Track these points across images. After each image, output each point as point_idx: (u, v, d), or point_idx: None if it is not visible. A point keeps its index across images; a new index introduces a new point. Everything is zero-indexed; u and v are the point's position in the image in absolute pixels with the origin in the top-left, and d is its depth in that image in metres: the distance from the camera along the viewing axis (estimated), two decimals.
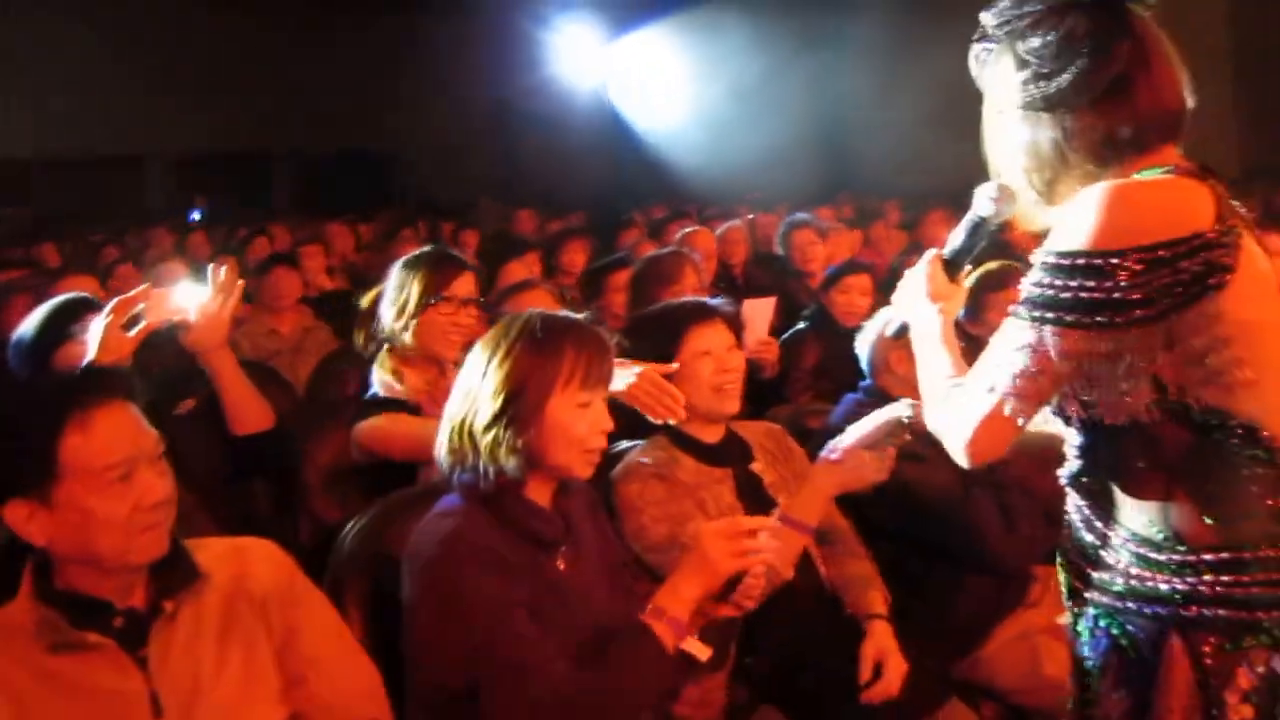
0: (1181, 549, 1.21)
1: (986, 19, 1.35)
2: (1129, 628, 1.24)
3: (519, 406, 1.56)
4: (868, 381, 2.43)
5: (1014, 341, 1.23)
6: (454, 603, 1.50)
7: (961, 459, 1.31)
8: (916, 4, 12.42)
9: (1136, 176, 1.23)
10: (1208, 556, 1.19)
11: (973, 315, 2.74)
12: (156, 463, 1.45)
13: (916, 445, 2.17)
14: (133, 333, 2.15)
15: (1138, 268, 1.14)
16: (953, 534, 2.18)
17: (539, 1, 13.40)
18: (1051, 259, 1.20)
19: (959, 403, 1.30)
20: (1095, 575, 1.29)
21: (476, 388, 1.60)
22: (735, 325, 2.16)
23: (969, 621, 2.22)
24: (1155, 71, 1.26)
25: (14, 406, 1.49)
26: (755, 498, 2.05)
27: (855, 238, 5.67)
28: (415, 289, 2.33)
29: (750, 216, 6.77)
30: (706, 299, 2.22)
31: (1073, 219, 1.21)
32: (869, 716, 1.90)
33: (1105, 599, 1.27)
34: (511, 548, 1.56)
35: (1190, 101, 1.29)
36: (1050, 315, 1.19)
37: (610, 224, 7.84)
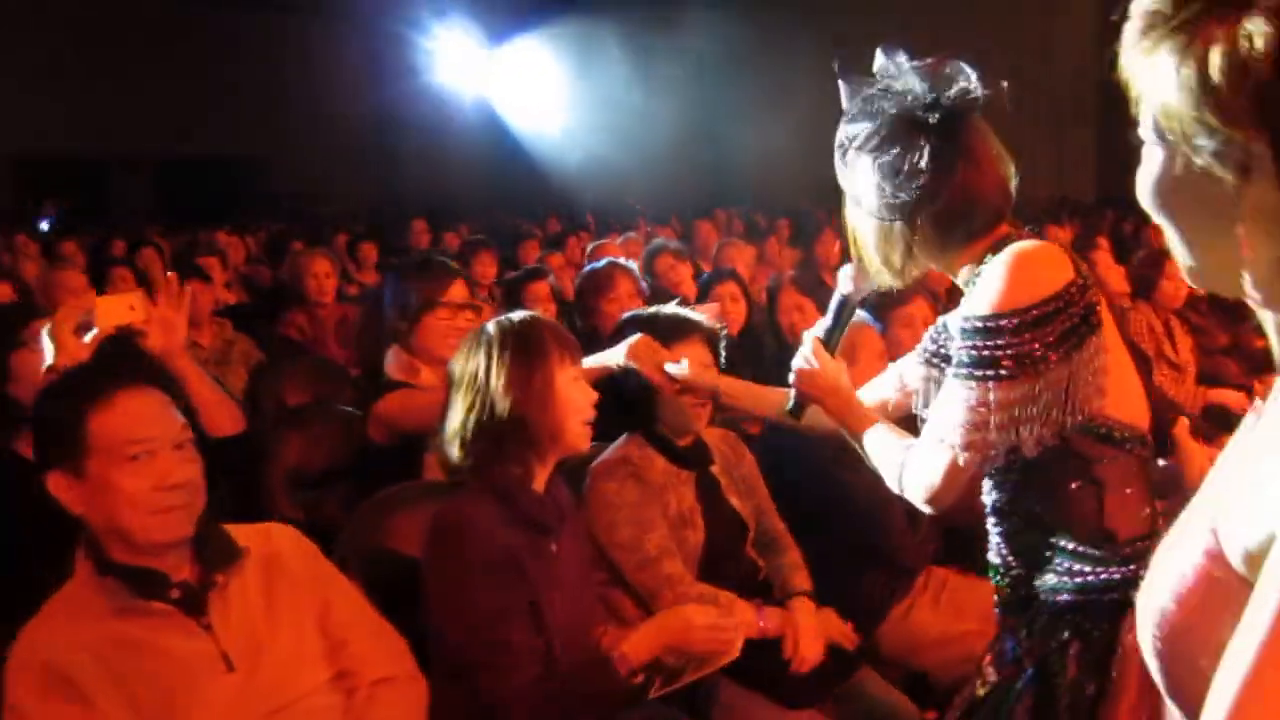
0: (1123, 543, 1.48)
1: (845, 132, 1.58)
2: (1085, 624, 1.48)
3: (533, 391, 1.84)
4: None
5: (956, 400, 1.46)
6: (458, 598, 1.78)
7: (925, 509, 1.56)
8: (788, 22, 13.03)
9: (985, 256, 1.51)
10: (1142, 544, 1.46)
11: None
12: (182, 448, 1.64)
13: (851, 455, 2.58)
14: (87, 339, 2.18)
15: (1041, 321, 1.42)
16: (871, 532, 2.59)
17: (416, 7, 13.27)
18: (972, 324, 1.45)
19: (918, 463, 1.53)
20: (1041, 585, 1.53)
21: (483, 387, 1.85)
22: (714, 343, 2.34)
23: (872, 605, 2.62)
24: (986, 172, 1.52)
25: (51, 387, 1.68)
26: (712, 499, 2.37)
27: (749, 253, 6.02)
28: (413, 296, 2.56)
29: (646, 230, 7.09)
30: (692, 314, 2.38)
31: (983, 289, 1.46)
32: (798, 683, 2.25)
33: (1061, 599, 1.50)
34: (518, 534, 1.84)
35: (1014, 182, 1.55)
36: (980, 373, 1.43)
37: (498, 235, 8.02)
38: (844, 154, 1.60)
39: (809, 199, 11.94)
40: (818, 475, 2.63)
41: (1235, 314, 4.27)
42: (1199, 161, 0.72)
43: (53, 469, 1.58)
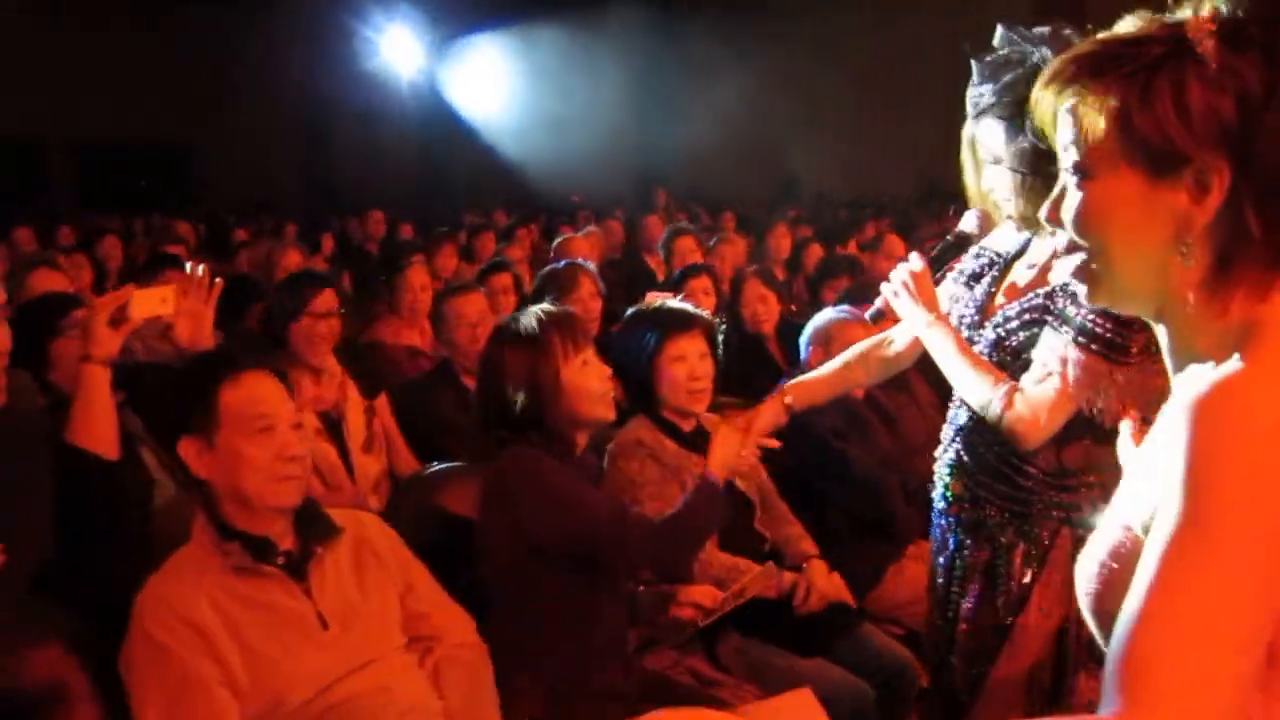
0: (1070, 476, 1.84)
1: (974, 94, 1.80)
2: (1031, 531, 1.85)
3: (541, 390, 2.04)
4: (804, 363, 3.08)
5: (1073, 363, 1.71)
6: (554, 489, 2.00)
7: (1029, 442, 1.78)
8: (724, 18, 13.30)
9: None
10: (1082, 478, 1.83)
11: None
12: (296, 428, 1.83)
13: (839, 422, 2.82)
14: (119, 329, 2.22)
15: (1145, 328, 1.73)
16: (869, 503, 2.85)
17: None
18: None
19: (1027, 403, 1.76)
20: (1010, 495, 1.86)
21: (496, 385, 2.08)
22: (711, 333, 2.58)
23: (869, 568, 2.87)
24: None
25: (185, 366, 1.87)
26: None
27: (741, 249, 6.13)
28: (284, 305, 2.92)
29: (593, 227, 7.25)
30: (690, 308, 2.61)
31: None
32: (807, 633, 2.49)
33: (1011, 511, 1.86)
34: None
35: None
36: (1092, 344, 1.70)
37: (439, 225, 8.08)
38: (976, 114, 1.81)
39: (740, 191, 12.27)
40: (819, 450, 2.88)
41: None
42: (1150, 186, 0.89)
43: (184, 436, 1.75)
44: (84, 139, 13.16)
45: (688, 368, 2.51)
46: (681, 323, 2.54)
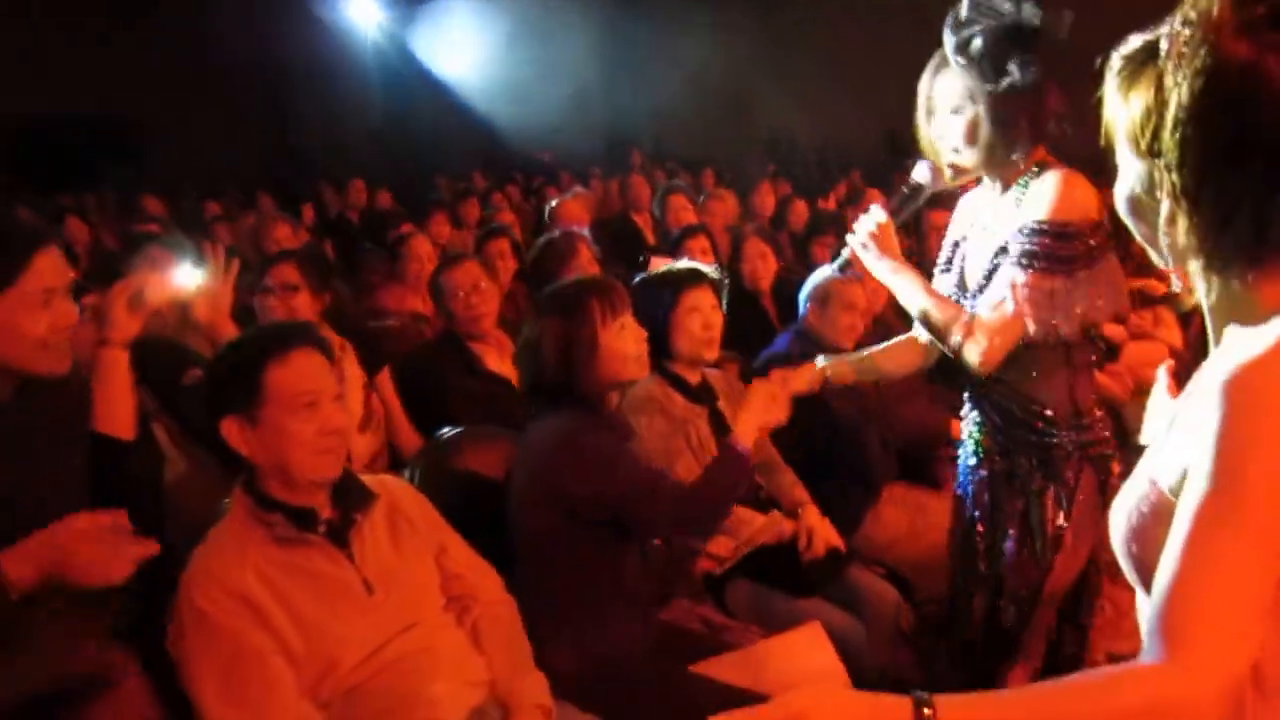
0: (1085, 413, 2.05)
1: (958, 36, 1.90)
2: (1056, 473, 2.04)
3: (580, 354, 2.19)
4: (801, 318, 3.24)
5: (1020, 283, 1.90)
6: (595, 454, 2.14)
7: (985, 365, 1.96)
8: None
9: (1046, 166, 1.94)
10: (1096, 414, 2.06)
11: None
12: (336, 400, 1.89)
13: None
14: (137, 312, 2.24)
15: (1088, 233, 1.88)
16: (850, 451, 3.01)
17: None
18: (1041, 226, 1.89)
19: (982, 329, 1.95)
20: (1035, 441, 2.05)
21: (535, 352, 2.21)
22: (719, 288, 2.76)
23: (850, 513, 3.04)
24: (1055, 93, 1.92)
25: (233, 348, 1.91)
26: (720, 430, 2.71)
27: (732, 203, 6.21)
28: None
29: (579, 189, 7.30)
30: (700, 266, 2.78)
31: (1042, 199, 1.90)
32: (804, 575, 2.66)
33: (1035, 456, 2.05)
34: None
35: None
36: (1043, 265, 1.88)
37: (415, 192, 8.05)
38: (958, 53, 1.92)
39: (710, 147, 12.28)
40: (805, 400, 3.02)
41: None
42: (1146, 180, 0.99)
43: (226, 416, 1.81)
44: (15, 114, 12.23)
45: (702, 318, 2.68)
46: (694, 278, 2.71)
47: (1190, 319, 5.10)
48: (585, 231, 3.92)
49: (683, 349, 2.68)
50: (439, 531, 2.09)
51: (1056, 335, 1.93)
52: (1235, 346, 0.99)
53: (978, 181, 2.15)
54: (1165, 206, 0.99)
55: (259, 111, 13.61)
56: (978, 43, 1.89)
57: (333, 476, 1.89)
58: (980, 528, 2.17)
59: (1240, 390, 0.93)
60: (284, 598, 1.79)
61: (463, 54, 13.16)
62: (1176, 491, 0.99)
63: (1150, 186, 1.01)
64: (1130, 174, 1.05)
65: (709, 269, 2.79)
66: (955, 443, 2.41)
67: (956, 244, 2.19)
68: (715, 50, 12.48)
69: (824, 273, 3.37)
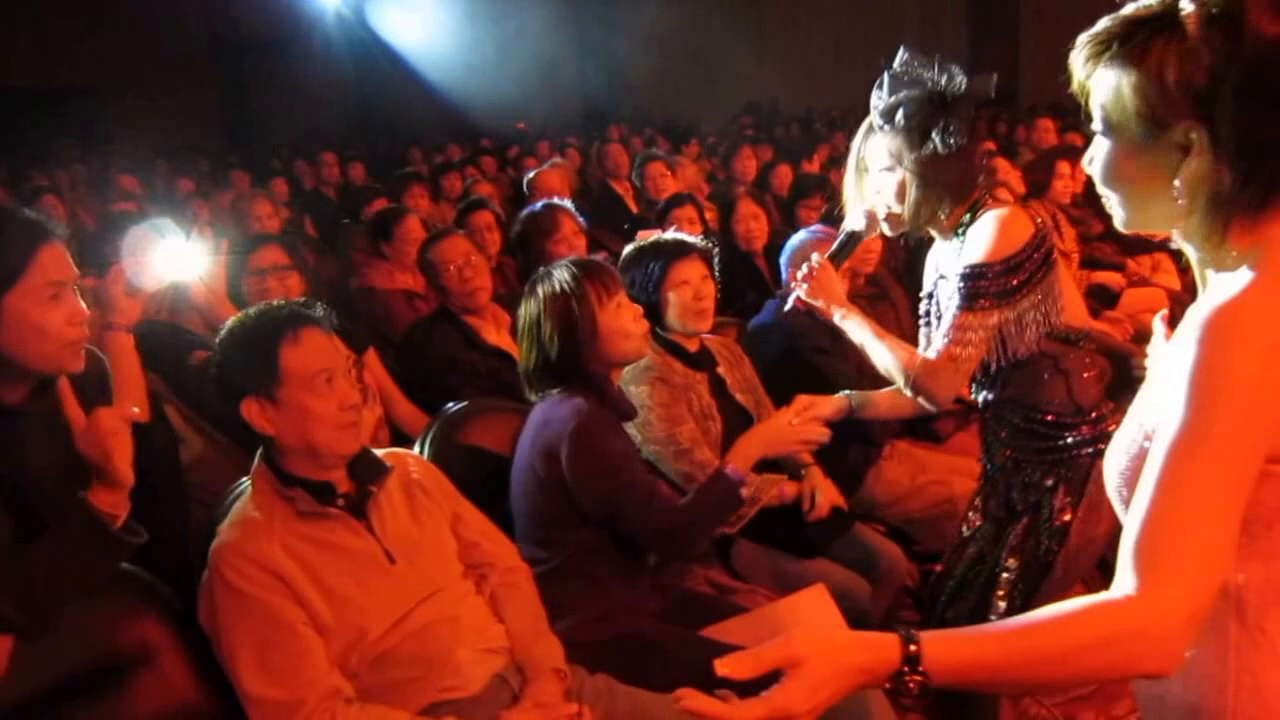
0: (1089, 410, 2.10)
1: (884, 104, 2.03)
2: (1065, 473, 2.10)
3: (581, 336, 2.21)
4: (785, 284, 3.25)
5: (959, 325, 2.01)
6: (602, 456, 2.17)
7: (936, 400, 2.10)
8: None
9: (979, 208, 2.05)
10: (1102, 411, 2.10)
11: None
12: (349, 374, 1.92)
13: (823, 341, 3.02)
14: (137, 296, 2.28)
15: (1016, 267, 1.98)
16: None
17: None
18: (970, 269, 2.00)
19: (931, 373, 2.05)
20: (1028, 450, 2.13)
21: (536, 334, 2.25)
22: (709, 258, 2.78)
23: (853, 471, 3.09)
24: (977, 147, 2.06)
25: (243, 329, 1.91)
26: (722, 395, 2.77)
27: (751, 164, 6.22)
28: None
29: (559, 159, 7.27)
30: (686, 237, 2.80)
31: (975, 244, 2.01)
32: (808, 534, 2.71)
33: (1047, 459, 2.11)
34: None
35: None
36: (977, 304, 1.99)
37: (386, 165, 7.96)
38: (885, 121, 2.04)
39: (688, 112, 12.25)
40: (798, 365, 3.07)
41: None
42: (1147, 145, 1.05)
43: (246, 397, 1.83)
44: None
45: (692, 290, 2.69)
46: (682, 250, 2.73)
47: (1189, 264, 5.19)
48: (568, 203, 3.90)
49: (675, 321, 2.70)
50: (453, 501, 2.12)
51: (1014, 358, 2.05)
52: (1215, 291, 1.06)
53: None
54: (1190, 166, 1.04)
55: (222, 85, 13.37)
56: (901, 112, 2.01)
57: (354, 450, 1.92)
58: (989, 525, 2.23)
59: (1211, 329, 1.00)
60: (311, 570, 1.82)
61: (429, 25, 13.02)
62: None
63: (1147, 150, 1.06)
64: (1126, 141, 1.09)
65: (696, 239, 2.82)
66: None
67: (930, 295, 2.25)
68: (687, 13, 12.44)
69: (800, 237, 3.41)
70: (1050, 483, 2.13)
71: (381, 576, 1.89)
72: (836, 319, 2.24)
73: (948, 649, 1.03)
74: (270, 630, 1.76)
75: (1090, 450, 2.11)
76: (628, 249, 2.80)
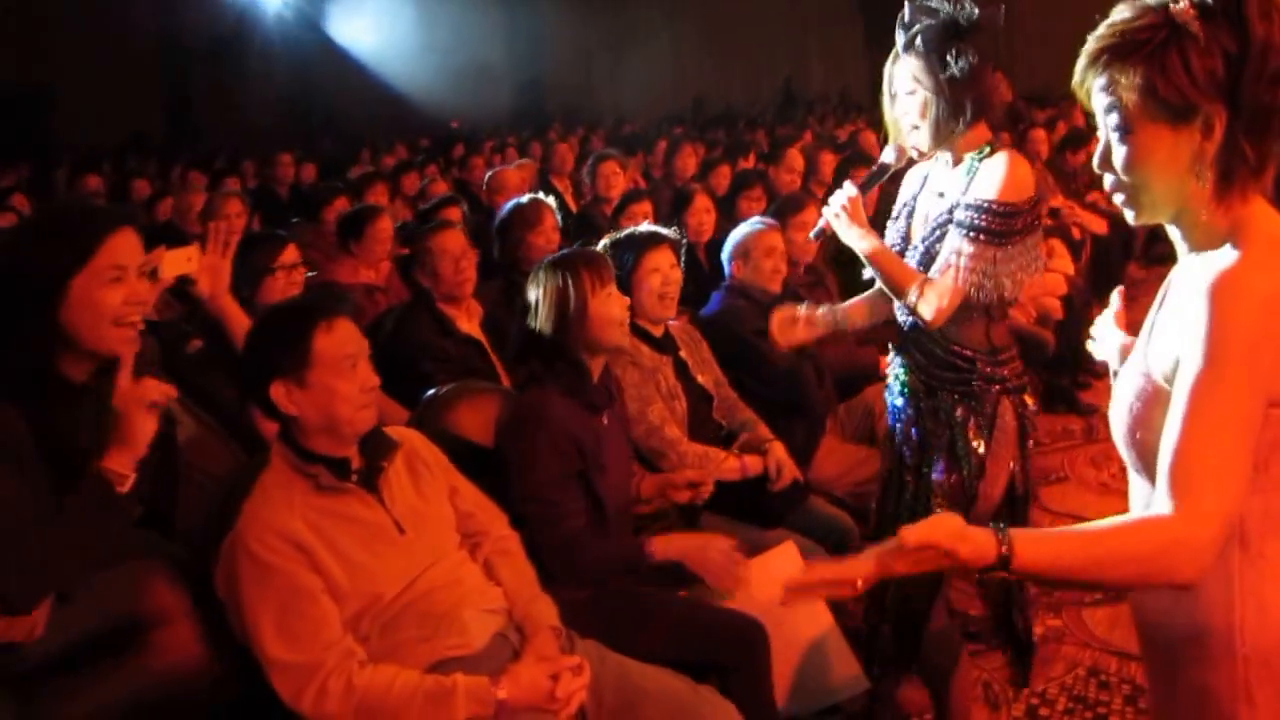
0: (999, 351, 2.34)
1: (906, 30, 2.21)
2: (974, 404, 2.33)
3: (569, 321, 2.41)
4: (729, 276, 3.49)
5: (966, 253, 2.21)
6: (524, 468, 2.37)
7: (935, 321, 2.26)
8: None
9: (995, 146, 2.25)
10: (1009, 354, 2.35)
11: None
12: (367, 359, 2.07)
13: (762, 324, 3.24)
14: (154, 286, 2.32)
15: (1022, 212, 2.20)
16: (790, 390, 3.28)
17: None
18: (985, 204, 2.19)
19: (934, 290, 2.25)
20: (942, 379, 2.35)
21: (534, 314, 2.45)
22: (677, 248, 2.99)
23: (801, 450, 3.32)
24: (994, 76, 2.26)
25: (274, 317, 2.05)
26: (685, 377, 2.99)
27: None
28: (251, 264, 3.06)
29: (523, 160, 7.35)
30: (659, 229, 3.01)
31: (986, 180, 2.21)
32: (768, 506, 2.92)
33: (958, 390, 2.34)
34: (578, 415, 2.42)
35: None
36: (986, 238, 2.20)
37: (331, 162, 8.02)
38: (907, 45, 2.22)
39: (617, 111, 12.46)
40: (745, 347, 3.29)
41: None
42: (1173, 132, 1.20)
43: (275, 380, 1.96)
44: None
45: (661, 276, 2.90)
46: (655, 239, 2.95)
47: (1079, 250, 5.61)
48: (551, 200, 4.04)
49: (644, 305, 2.90)
50: (449, 475, 2.27)
51: (994, 297, 2.26)
52: (1209, 263, 1.24)
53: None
54: (1213, 144, 1.21)
55: (163, 87, 13.23)
56: (920, 38, 2.20)
57: (370, 427, 2.07)
58: (908, 460, 2.44)
59: (1218, 291, 1.20)
60: (329, 541, 1.96)
61: (368, 29, 13.02)
62: (1170, 378, 1.24)
63: (1173, 137, 1.22)
64: (1153, 131, 1.23)
65: (668, 231, 3.02)
66: (883, 377, 2.68)
67: (907, 203, 2.46)
68: (612, 21, 12.69)
69: (742, 229, 3.61)
70: (960, 414, 2.34)
71: (391, 545, 2.04)
72: (856, 239, 2.36)
73: (1034, 551, 1.19)
74: (290, 597, 1.89)
75: (997, 388, 2.33)
76: (603, 241, 2.98)
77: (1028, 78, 11.38)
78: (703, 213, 4.46)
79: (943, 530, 1.20)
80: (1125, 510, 1.33)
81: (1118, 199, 1.32)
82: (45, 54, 12.19)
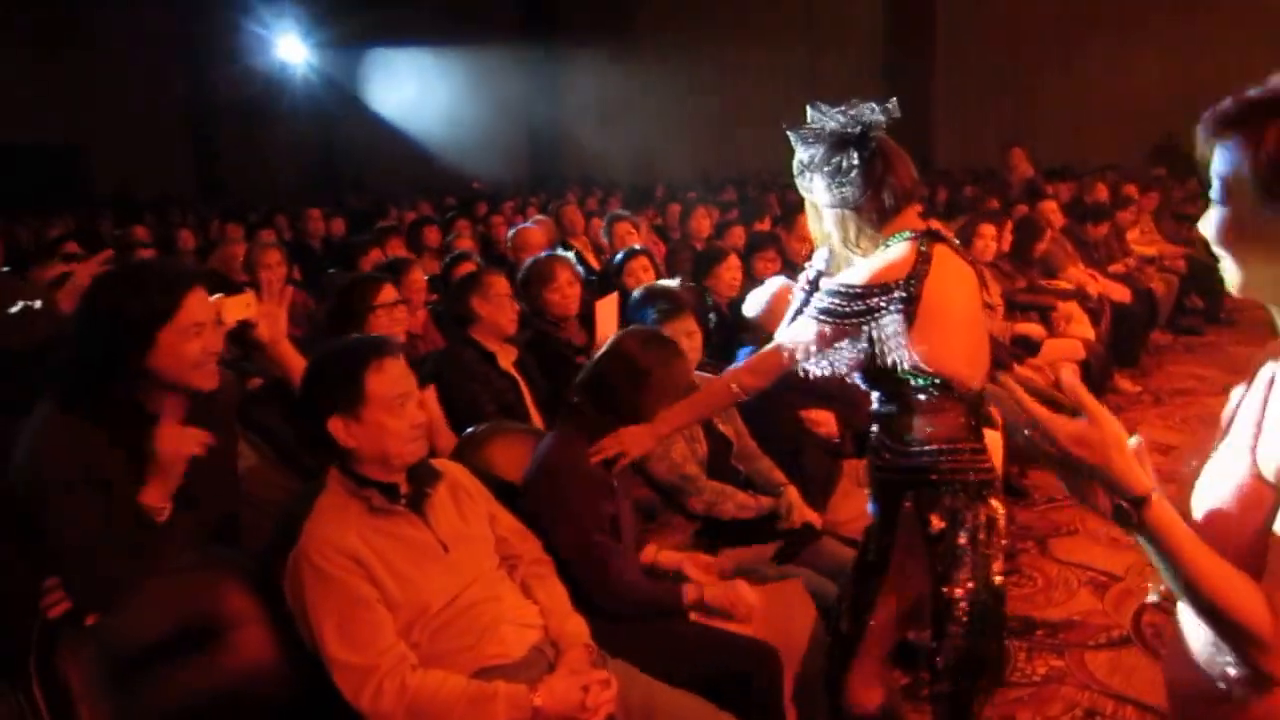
0: (938, 444, 2.28)
1: (800, 156, 2.28)
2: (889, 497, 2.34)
3: (651, 386, 2.65)
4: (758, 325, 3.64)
5: (803, 329, 2.31)
6: (565, 515, 2.54)
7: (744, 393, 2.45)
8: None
9: (893, 236, 2.23)
10: (953, 449, 2.28)
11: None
12: (415, 398, 2.26)
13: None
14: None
15: (862, 297, 2.21)
16: (807, 441, 3.48)
17: None
18: (834, 286, 2.24)
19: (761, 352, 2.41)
20: (897, 462, 2.32)
21: (612, 376, 2.68)
22: (696, 310, 3.23)
23: (817, 495, 3.50)
24: (897, 168, 2.25)
25: (328, 357, 2.25)
26: (707, 424, 3.19)
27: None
28: (353, 303, 3.38)
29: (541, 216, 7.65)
30: (681, 296, 3.26)
31: (859, 265, 2.25)
32: (786, 541, 3.11)
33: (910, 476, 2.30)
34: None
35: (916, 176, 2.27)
36: (824, 317, 2.26)
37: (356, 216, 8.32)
38: (802, 172, 2.31)
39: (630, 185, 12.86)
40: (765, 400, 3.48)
41: (1027, 264, 5.59)
42: (1265, 214, 1.13)
43: (332, 415, 2.16)
44: None
45: (685, 343, 3.08)
46: (674, 311, 3.21)
47: (1099, 316, 5.79)
48: (569, 255, 4.29)
49: None
50: (489, 503, 2.48)
51: (836, 373, 2.32)
52: None
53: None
54: None
55: (195, 144, 13.71)
56: (814, 157, 2.27)
57: (419, 459, 2.27)
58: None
59: None
60: (382, 556, 2.15)
61: (394, 93, 13.46)
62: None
63: (1259, 219, 1.16)
64: (1241, 210, 1.18)
65: (685, 297, 3.30)
66: None
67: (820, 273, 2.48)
68: (621, 106, 13.23)
69: (764, 288, 3.81)
70: (880, 506, 2.38)
71: (437, 562, 2.23)
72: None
73: (1170, 514, 1.17)
74: (349, 605, 2.08)
75: (902, 479, 2.32)
76: (636, 292, 3.22)
77: (1052, 152, 11.75)
78: (735, 270, 4.70)
79: (1114, 431, 1.19)
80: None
81: (1220, 266, 1.26)
82: (84, 115, 12.69)
